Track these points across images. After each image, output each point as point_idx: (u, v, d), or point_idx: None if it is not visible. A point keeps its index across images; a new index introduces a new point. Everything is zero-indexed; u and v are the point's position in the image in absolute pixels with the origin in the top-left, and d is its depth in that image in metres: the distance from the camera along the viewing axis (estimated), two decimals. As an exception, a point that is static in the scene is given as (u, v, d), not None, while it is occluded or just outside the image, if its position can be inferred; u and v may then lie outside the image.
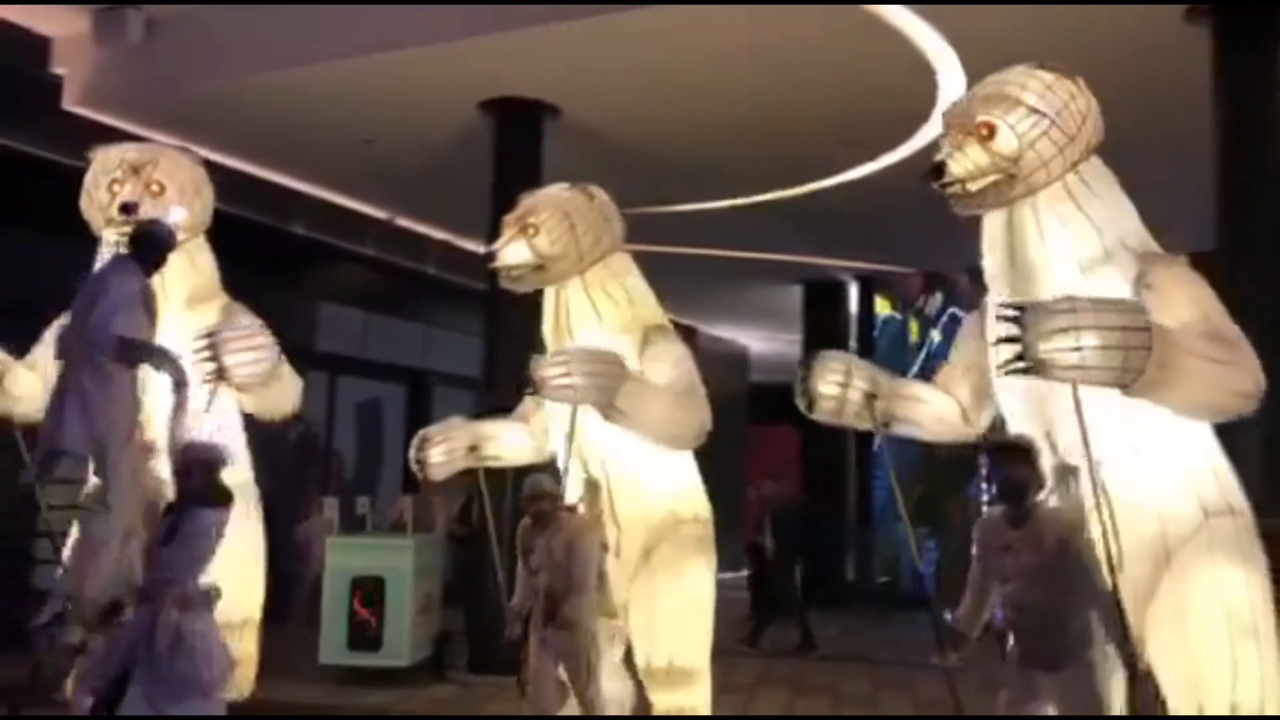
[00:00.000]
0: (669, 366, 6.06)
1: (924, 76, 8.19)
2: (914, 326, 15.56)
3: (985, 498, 4.54)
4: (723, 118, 9.05)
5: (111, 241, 6.51)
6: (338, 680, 8.20)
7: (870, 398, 5.29)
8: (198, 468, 4.88)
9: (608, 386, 5.64)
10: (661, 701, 6.14)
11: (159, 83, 9.06)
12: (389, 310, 13.49)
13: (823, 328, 15.31)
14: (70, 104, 9.37)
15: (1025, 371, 4.10)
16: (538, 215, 6.15)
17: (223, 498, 4.89)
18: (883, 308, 15.96)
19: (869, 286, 15.56)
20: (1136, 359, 3.97)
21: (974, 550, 4.55)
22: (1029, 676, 4.36)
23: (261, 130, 9.67)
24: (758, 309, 17.09)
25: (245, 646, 6.63)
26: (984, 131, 4.64)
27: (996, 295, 4.94)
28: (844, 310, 15.62)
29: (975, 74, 5.11)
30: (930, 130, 9.13)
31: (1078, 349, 3.96)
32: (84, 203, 6.66)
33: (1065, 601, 4.27)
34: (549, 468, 6.45)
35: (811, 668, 9.62)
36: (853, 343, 15.47)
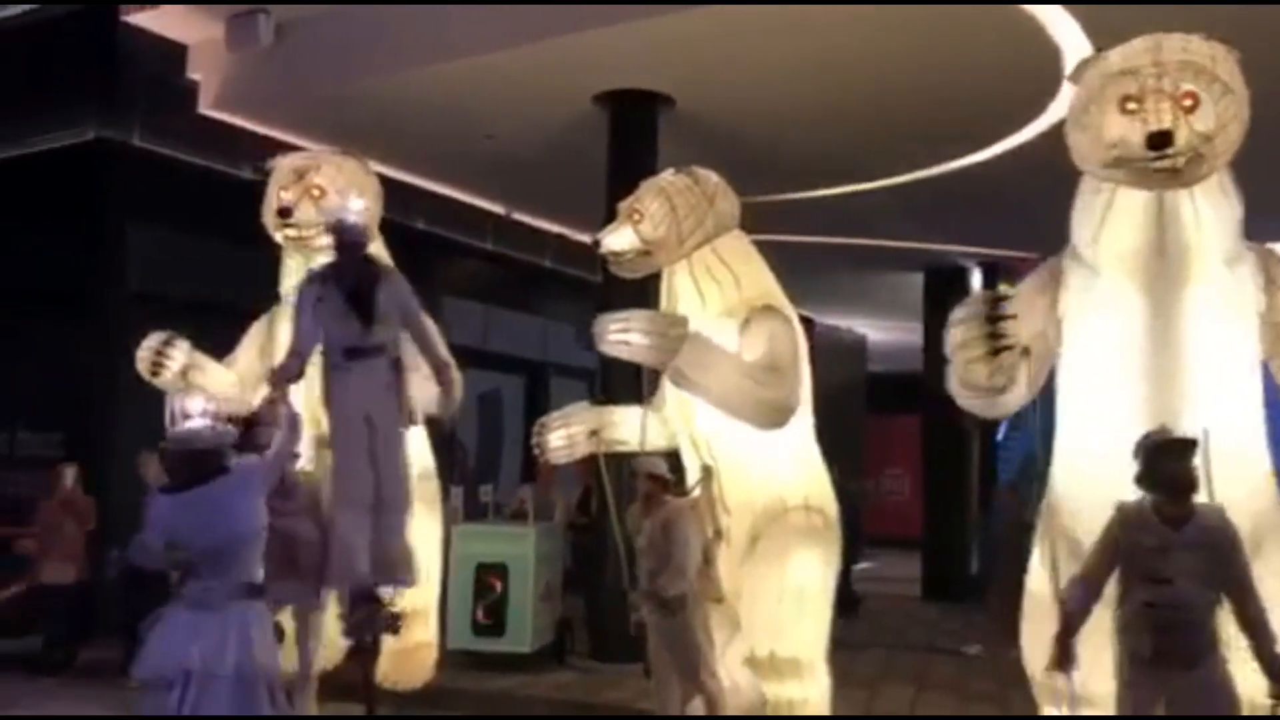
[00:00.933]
0: (761, 342, 5.88)
1: (1047, 57, 7.92)
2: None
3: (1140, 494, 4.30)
4: (839, 104, 8.92)
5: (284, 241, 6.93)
6: (464, 665, 8.39)
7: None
8: None
9: (666, 347, 5.57)
10: (771, 692, 5.98)
11: (287, 85, 9.37)
12: (508, 303, 13.71)
13: (944, 315, 14.83)
14: (206, 108, 9.77)
15: None
16: (642, 201, 6.22)
17: None
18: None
19: (993, 272, 15.15)
20: None
21: (1110, 544, 4.35)
22: (1162, 676, 4.19)
23: (384, 129, 9.91)
24: (877, 297, 16.81)
25: (415, 636, 6.92)
26: (1188, 103, 4.37)
27: (1128, 278, 4.76)
28: (966, 297, 15.24)
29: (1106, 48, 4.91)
30: (1056, 111, 8.85)
31: None
32: (264, 209, 7.03)
33: (1213, 599, 4.13)
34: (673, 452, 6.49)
35: (937, 662, 9.45)
36: (975, 330, 15.12)
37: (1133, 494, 4.27)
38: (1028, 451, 14.62)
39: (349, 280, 5.49)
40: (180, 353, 6.96)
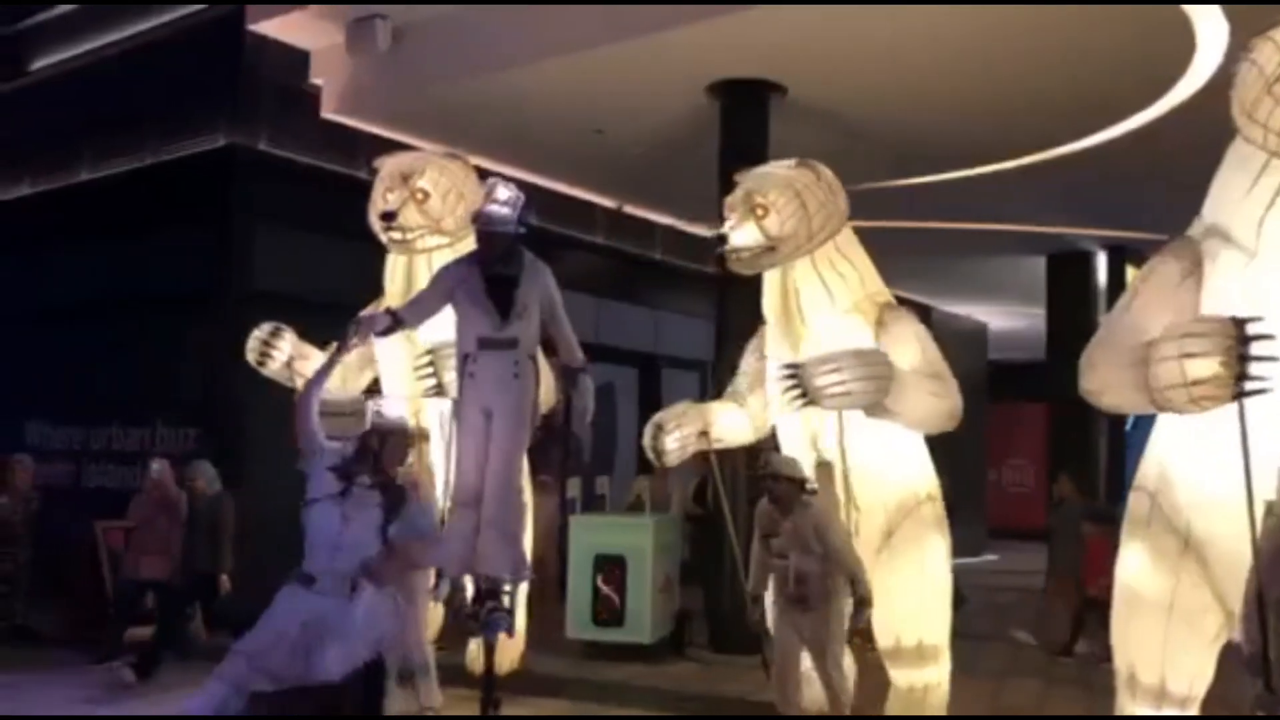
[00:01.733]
0: (915, 350, 5.96)
1: (1176, 32, 7.59)
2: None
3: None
4: (956, 87, 8.71)
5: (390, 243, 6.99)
6: (584, 654, 8.49)
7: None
8: None
9: (881, 389, 5.56)
10: (905, 679, 6.26)
11: (405, 88, 9.58)
12: (619, 296, 13.78)
13: (1068, 300, 14.55)
14: (328, 112, 10.06)
15: None
16: (766, 196, 6.07)
17: None
18: (1134, 278, 14.99)
19: (1119, 256, 14.64)
20: None
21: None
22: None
23: (497, 127, 10.06)
24: (998, 283, 16.40)
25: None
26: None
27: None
28: (1092, 281, 14.77)
29: (1241, 23, 4.68)
30: (1185, 88, 8.49)
31: None
32: (369, 209, 7.13)
33: None
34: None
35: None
36: (1101, 316, 14.64)
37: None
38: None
39: (492, 269, 5.38)
40: (286, 343, 7.14)
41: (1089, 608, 8.41)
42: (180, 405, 10.39)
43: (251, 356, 7.20)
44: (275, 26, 9.64)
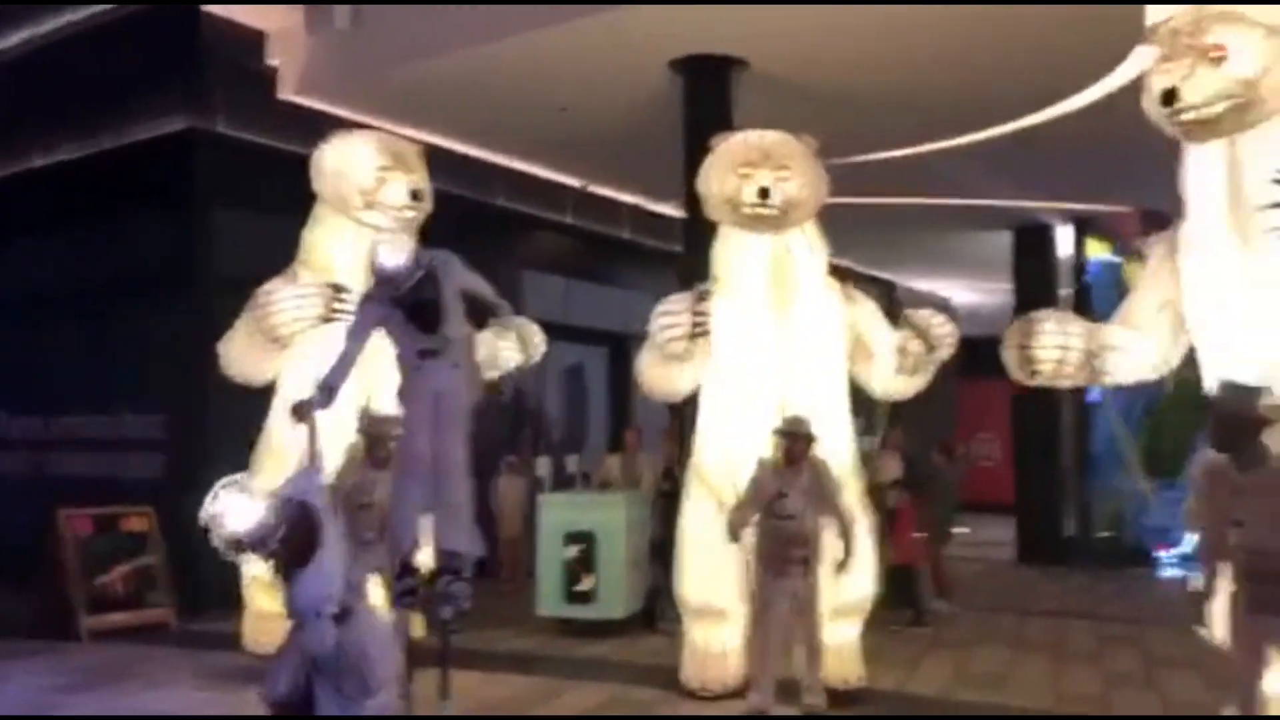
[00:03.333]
0: (884, 322, 6.52)
1: (1130, 4, 7.63)
2: (1131, 269, 14.66)
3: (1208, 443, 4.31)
4: (917, 58, 8.72)
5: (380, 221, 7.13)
6: (555, 632, 8.50)
7: (1089, 356, 5.06)
8: None
9: None
10: (833, 637, 6.37)
11: (365, 67, 9.51)
12: (588, 276, 13.76)
13: (1033, 274, 14.64)
14: (286, 93, 9.96)
15: None
16: (794, 160, 6.42)
17: None
18: (1097, 250, 15.12)
19: (1082, 228, 14.76)
20: None
21: (1199, 494, 4.34)
22: (1261, 621, 4.14)
23: (461, 107, 10.00)
24: (962, 257, 16.49)
25: None
26: (1216, 54, 4.36)
27: (1211, 228, 4.67)
28: (1056, 255, 14.88)
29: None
30: (1140, 60, 8.53)
31: None
32: (331, 186, 7.23)
33: None
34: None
35: (1032, 624, 9.32)
36: (1064, 289, 14.76)
37: None
38: (1127, 410, 14.34)
39: (406, 300, 5.41)
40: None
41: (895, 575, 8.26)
42: (147, 392, 10.27)
43: (318, 313, 7.01)
44: (230, 8, 9.53)
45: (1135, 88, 8.84)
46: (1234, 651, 4.29)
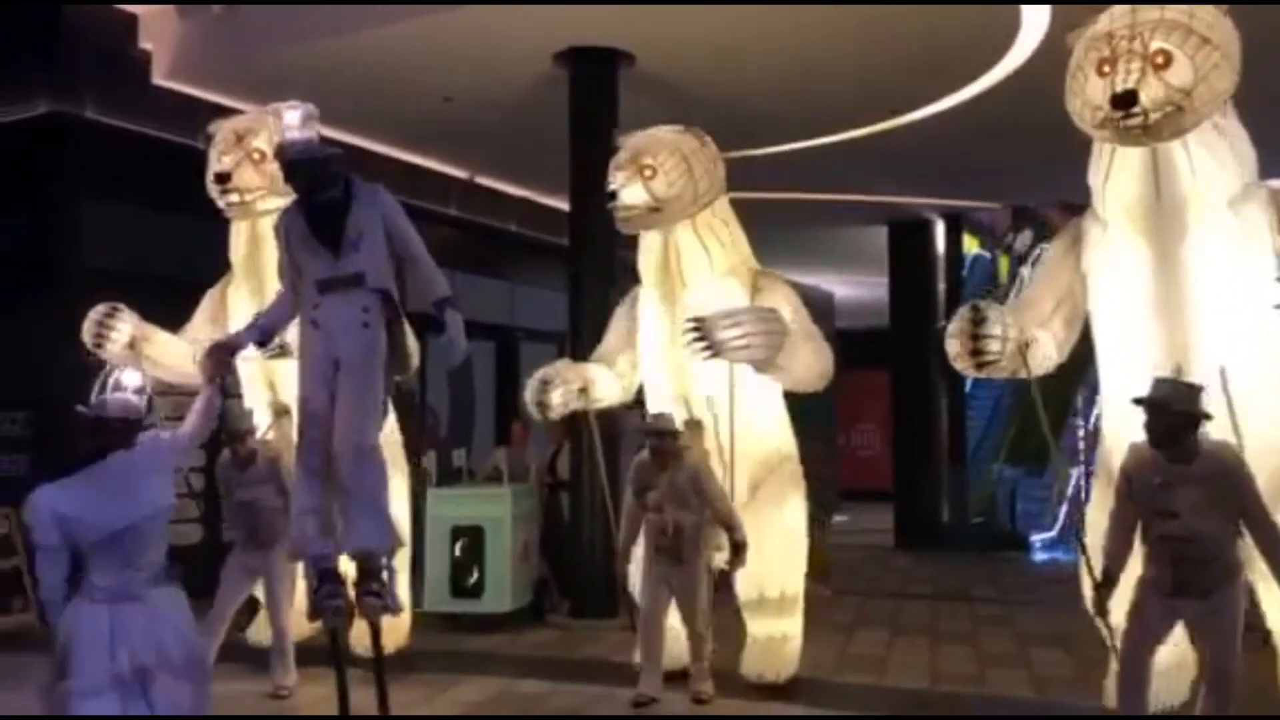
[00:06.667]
0: (789, 313, 6.26)
1: (1004, 8, 7.93)
2: (1004, 264, 15.21)
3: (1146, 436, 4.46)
4: (799, 55, 8.88)
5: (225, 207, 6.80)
6: (442, 627, 8.42)
7: (1024, 346, 5.17)
8: None
9: (777, 345, 5.82)
10: (764, 629, 6.59)
11: (241, 52, 9.22)
12: (474, 269, 13.61)
13: (910, 268, 15.08)
14: (159, 78, 9.61)
15: None
16: (655, 157, 6.29)
17: None
18: (971, 246, 15.63)
19: (956, 223, 15.23)
20: None
21: (1123, 483, 4.52)
22: (1175, 605, 4.39)
23: (341, 94, 9.72)
24: (841, 252, 16.84)
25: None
26: (1159, 60, 4.46)
27: (1132, 229, 4.87)
28: (931, 250, 15.33)
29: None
30: (1011, 62, 8.86)
31: None
32: (207, 177, 6.92)
33: (1230, 530, 4.31)
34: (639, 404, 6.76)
35: (909, 607, 9.60)
36: (941, 283, 15.22)
37: None
38: (997, 400, 14.88)
39: (312, 202, 4.74)
40: (125, 324, 6.82)
41: None
42: (9, 387, 9.81)
43: (88, 339, 6.86)
44: (98, -12, 9.16)
45: (1004, 88, 9.26)
46: (1131, 630, 4.49)
